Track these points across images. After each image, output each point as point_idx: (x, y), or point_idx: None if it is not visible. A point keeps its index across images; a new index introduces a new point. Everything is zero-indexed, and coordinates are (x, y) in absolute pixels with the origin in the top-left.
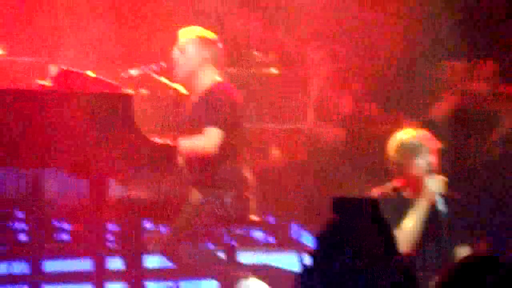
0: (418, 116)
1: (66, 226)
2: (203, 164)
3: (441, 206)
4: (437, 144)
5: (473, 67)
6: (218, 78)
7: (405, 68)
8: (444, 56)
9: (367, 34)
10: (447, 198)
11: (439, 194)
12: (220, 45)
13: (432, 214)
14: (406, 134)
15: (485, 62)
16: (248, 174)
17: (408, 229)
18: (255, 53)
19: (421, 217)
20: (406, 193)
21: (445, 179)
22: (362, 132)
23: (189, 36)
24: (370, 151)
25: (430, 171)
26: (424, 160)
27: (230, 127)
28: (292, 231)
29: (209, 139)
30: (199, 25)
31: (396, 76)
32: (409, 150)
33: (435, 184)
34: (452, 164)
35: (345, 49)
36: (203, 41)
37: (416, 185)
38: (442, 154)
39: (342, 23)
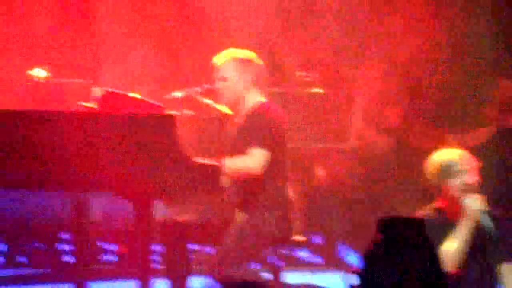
0: (463, 135)
1: (111, 247)
2: (248, 185)
3: (485, 224)
4: (476, 164)
5: None
6: (262, 99)
7: (454, 86)
8: (493, 73)
9: (417, 52)
10: (490, 216)
11: (481, 213)
12: (260, 63)
13: (477, 233)
14: (441, 155)
15: None
16: (293, 194)
17: (451, 250)
18: (299, 72)
19: (464, 238)
20: (447, 214)
21: (484, 197)
22: (409, 150)
23: (228, 59)
24: (417, 170)
25: (467, 191)
26: (460, 180)
27: (274, 147)
28: (338, 251)
29: (254, 160)
30: (242, 45)
31: (444, 94)
32: (443, 171)
33: (473, 203)
34: (497, 183)
35: (393, 67)
36: (243, 63)
37: (454, 206)
38: (486, 173)
39: (388, 41)
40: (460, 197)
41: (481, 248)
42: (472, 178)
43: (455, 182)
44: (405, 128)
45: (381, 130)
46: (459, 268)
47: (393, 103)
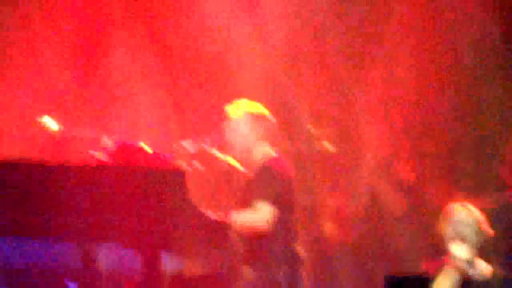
0: (479, 198)
1: None
2: (255, 240)
3: (472, 274)
4: (478, 218)
5: None
6: (272, 153)
7: (469, 144)
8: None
9: (422, 102)
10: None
11: (469, 263)
12: (272, 119)
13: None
14: (451, 207)
15: None
16: (301, 250)
17: None
18: (309, 127)
19: (443, 284)
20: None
21: (471, 249)
22: (421, 208)
23: (240, 112)
24: (428, 226)
25: (457, 239)
26: (454, 229)
27: (282, 202)
28: None
29: (261, 215)
30: (253, 97)
31: (458, 153)
32: (445, 220)
33: (456, 250)
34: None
35: (404, 120)
36: (254, 117)
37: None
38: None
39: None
40: (449, 244)
41: None
42: (466, 229)
43: (449, 230)
44: (417, 185)
45: (394, 187)
46: None
47: (405, 160)
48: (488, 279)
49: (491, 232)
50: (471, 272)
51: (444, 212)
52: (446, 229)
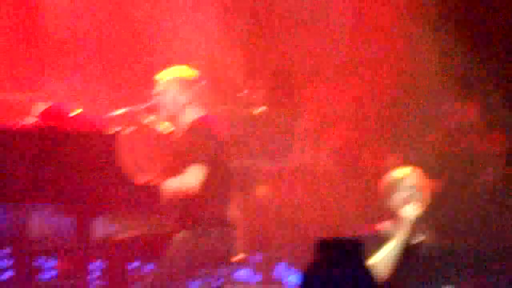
0: (410, 153)
1: (51, 264)
2: (188, 202)
3: (419, 238)
4: (424, 180)
5: (463, 109)
6: (202, 113)
7: (398, 105)
8: (437, 95)
9: (361, 69)
10: (428, 233)
11: (413, 222)
12: (203, 82)
13: (413, 248)
14: (395, 172)
15: (474, 105)
16: (235, 211)
17: (379, 259)
18: (245, 91)
19: (392, 247)
20: (390, 229)
21: (422, 206)
22: (353, 169)
23: (169, 77)
24: (362, 189)
25: (408, 202)
26: (404, 193)
27: (214, 163)
28: (279, 270)
29: (191, 177)
30: (186, 64)
31: (390, 114)
32: (391, 186)
33: (408, 211)
34: (438, 202)
35: (340, 85)
36: (184, 82)
37: (396, 219)
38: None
39: (335, 59)
40: (399, 208)
41: (417, 264)
42: (415, 192)
43: (398, 195)
44: (349, 148)
45: (325, 150)
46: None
47: (336, 123)
48: (427, 241)
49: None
50: (416, 231)
51: (389, 177)
52: (395, 193)
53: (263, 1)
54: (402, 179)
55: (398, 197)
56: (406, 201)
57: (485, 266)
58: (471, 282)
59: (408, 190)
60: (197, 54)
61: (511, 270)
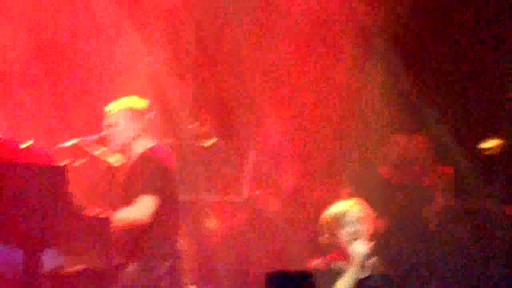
0: (356, 186)
1: None
2: (136, 234)
3: (367, 271)
4: (368, 212)
5: (410, 141)
6: (150, 144)
7: (346, 137)
8: (383, 128)
9: (308, 102)
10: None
11: (364, 258)
12: (152, 113)
13: (364, 281)
14: (332, 207)
15: (420, 136)
16: (184, 245)
17: None
18: (192, 125)
19: (347, 284)
20: (340, 264)
21: (370, 243)
22: (301, 203)
23: (120, 108)
24: (309, 222)
25: (356, 238)
26: (349, 229)
27: (164, 191)
28: None
29: (142, 208)
30: (137, 94)
31: (337, 147)
32: (334, 222)
33: (358, 248)
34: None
35: (287, 118)
36: (132, 111)
37: (345, 254)
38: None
39: (282, 92)
40: (347, 244)
41: None
42: (363, 226)
43: (345, 231)
44: (297, 182)
45: (274, 185)
46: None
47: (289, 162)
48: (376, 272)
49: (377, 224)
50: (366, 266)
51: (332, 211)
52: (341, 228)
53: (210, 33)
54: (345, 213)
55: (344, 233)
56: (353, 237)
57: None
58: None
59: (353, 225)
60: (146, 86)
61: None
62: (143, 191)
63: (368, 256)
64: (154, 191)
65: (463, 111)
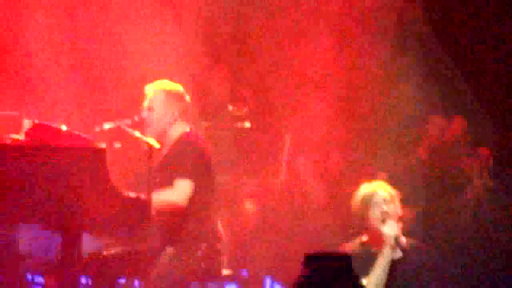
0: (390, 170)
1: (40, 280)
2: (174, 217)
3: (399, 252)
4: (394, 193)
5: (448, 124)
6: (187, 129)
7: (379, 123)
8: (419, 112)
9: (342, 85)
10: (411, 245)
11: (396, 239)
12: (187, 98)
13: (396, 262)
14: (362, 188)
15: (459, 118)
16: (220, 227)
17: (372, 281)
18: (230, 107)
19: (382, 266)
20: (372, 247)
21: (399, 224)
22: (336, 187)
23: (156, 91)
24: (344, 206)
25: (385, 219)
26: (378, 210)
27: (199, 176)
28: (265, 285)
29: (179, 192)
30: (172, 80)
31: (371, 130)
32: (364, 203)
33: (388, 229)
34: (423, 220)
35: (322, 103)
36: (171, 96)
37: (377, 237)
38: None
39: (315, 77)
40: (378, 226)
41: (400, 277)
42: (390, 207)
43: (373, 212)
44: (332, 165)
45: (308, 166)
46: None
47: (320, 141)
48: (408, 251)
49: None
50: (398, 247)
51: (362, 193)
52: (369, 210)
53: (247, 17)
54: (371, 194)
55: (372, 214)
56: (381, 218)
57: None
58: None
59: (380, 206)
60: (181, 70)
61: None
62: (180, 175)
63: (399, 237)
64: (190, 175)
65: (500, 94)
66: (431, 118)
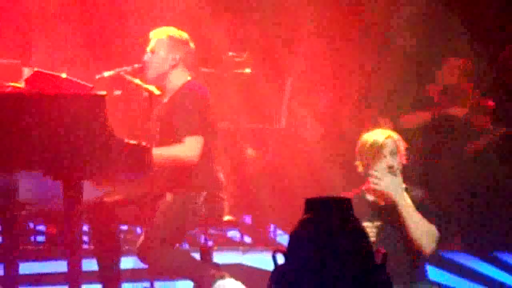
0: (395, 117)
1: (41, 228)
2: (177, 168)
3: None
4: (403, 146)
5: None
6: (188, 78)
7: (384, 68)
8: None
9: (343, 34)
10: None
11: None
12: (191, 45)
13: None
14: (368, 136)
15: (464, 60)
16: (221, 174)
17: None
18: (230, 53)
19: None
20: (374, 195)
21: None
22: (338, 132)
23: (160, 36)
24: (346, 151)
25: (390, 172)
26: (385, 163)
27: (206, 129)
28: (268, 231)
29: (191, 149)
30: (173, 26)
31: (375, 75)
32: (371, 152)
33: (393, 184)
34: (426, 171)
35: (322, 48)
36: (174, 41)
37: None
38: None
39: (319, 24)
40: (381, 179)
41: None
42: (394, 160)
43: (380, 164)
44: (336, 112)
45: (310, 114)
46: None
47: (323, 87)
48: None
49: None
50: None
51: (370, 142)
52: (376, 160)
53: None
54: (381, 144)
55: (379, 165)
56: (388, 172)
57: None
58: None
59: (388, 160)
60: (181, 18)
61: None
62: (190, 132)
63: (402, 189)
64: (200, 130)
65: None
66: (445, 60)
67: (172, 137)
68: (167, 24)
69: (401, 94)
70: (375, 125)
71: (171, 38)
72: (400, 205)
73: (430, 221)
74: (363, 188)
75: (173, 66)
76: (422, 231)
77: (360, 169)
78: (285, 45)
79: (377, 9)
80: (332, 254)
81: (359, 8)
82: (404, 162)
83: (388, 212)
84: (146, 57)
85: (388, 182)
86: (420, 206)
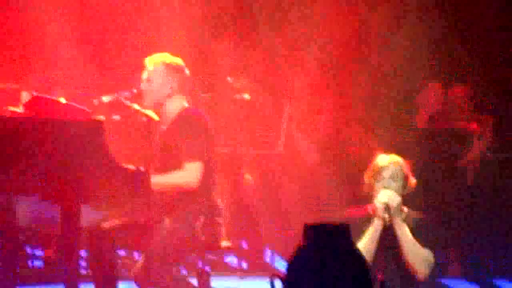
0: (392, 137)
1: (39, 252)
2: (176, 193)
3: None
4: (405, 171)
5: (447, 90)
6: (186, 104)
7: (380, 91)
8: (419, 79)
9: (342, 59)
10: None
11: (386, 209)
12: (187, 71)
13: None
14: (378, 159)
15: (459, 86)
16: (219, 199)
17: (360, 247)
18: (229, 78)
19: (369, 235)
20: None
21: (395, 193)
22: (337, 156)
23: (156, 63)
24: (344, 175)
25: (386, 189)
26: (383, 184)
27: (206, 155)
28: (265, 257)
29: (192, 175)
30: (171, 52)
31: (372, 100)
32: (374, 174)
33: (379, 198)
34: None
35: (321, 73)
36: (170, 69)
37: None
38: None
39: (318, 49)
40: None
41: (393, 246)
42: (394, 183)
43: (379, 184)
44: (333, 135)
45: (309, 138)
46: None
47: (322, 111)
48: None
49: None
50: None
51: (375, 165)
52: (376, 182)
53: None
54: (383, 167)
55: (378, 186)
56: (385, 188)
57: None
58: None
59: (387, 181)
60: (180, 42)
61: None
62: (191, 157)
63: (392, 207)
64: (200, 156)
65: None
66: (431, 85)
67: (172, 165)
68: (167, 49)
69: (402, 122)
70: (375, 150)
71: (166, 66)
72: (397, 225)
73: (427, 246)
74: (368, 210)
75: (170, 94)
76: (417, 256)
77: (366, 191)
78: (283, 70)
79: (375, 34)
80: (330, 281)
81: (358, 34)
82: (410, 188)
83: (385, 236)
84: (143, 85)
85: (377, 197)
86: (417, 231)
